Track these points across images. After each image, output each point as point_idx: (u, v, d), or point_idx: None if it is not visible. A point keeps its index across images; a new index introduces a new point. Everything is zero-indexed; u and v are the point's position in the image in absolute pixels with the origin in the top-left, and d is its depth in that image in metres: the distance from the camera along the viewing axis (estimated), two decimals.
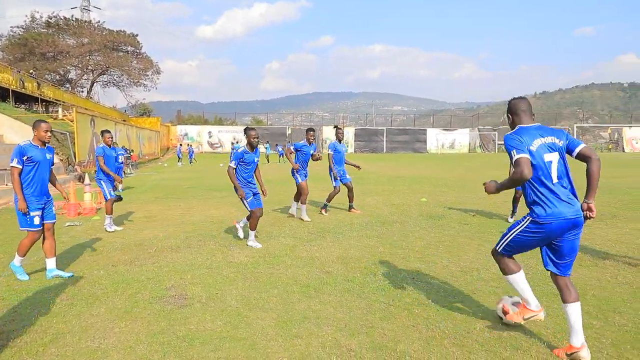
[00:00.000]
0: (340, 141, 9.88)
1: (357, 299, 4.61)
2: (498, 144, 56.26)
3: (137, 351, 3.52)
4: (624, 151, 53.78)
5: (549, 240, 3.42)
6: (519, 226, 3.51)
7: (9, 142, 19.47)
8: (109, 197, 8.31)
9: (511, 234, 3.57)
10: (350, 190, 9.91)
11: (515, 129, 3.52)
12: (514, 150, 3.32)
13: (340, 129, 10.44)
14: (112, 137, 8.46)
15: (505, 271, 3.69)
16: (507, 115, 3.66)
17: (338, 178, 9.65)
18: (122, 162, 9.91)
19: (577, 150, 3.41)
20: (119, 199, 12.12)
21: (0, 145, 18.50)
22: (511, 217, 8.81)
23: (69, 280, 5.27)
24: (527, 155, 3.27)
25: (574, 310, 3.36)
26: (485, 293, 4.71)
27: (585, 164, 3.42)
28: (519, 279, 3.65)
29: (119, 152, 8.86)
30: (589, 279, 5.13)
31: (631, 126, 58.46)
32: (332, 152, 9.64)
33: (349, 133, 54.37)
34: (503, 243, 3.64)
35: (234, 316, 4.19)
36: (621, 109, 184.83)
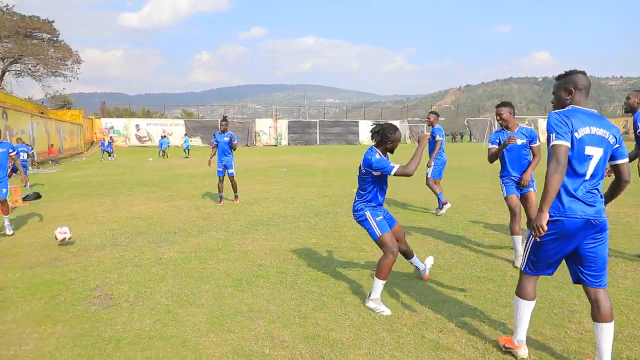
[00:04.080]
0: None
1: (289, 290, 4.63)
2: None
3: (57, 357, 3.33)
4: (539, 140, 57.82)
5: (567, 244, 2.93)
6: None
7: None
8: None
9: (529, 242, 3.09)
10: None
11: (567, 108, 2.97)
12: (554, 134, 2.84)
13: (225, 119, 9.95)
14: None
15: (517, 291, 3.21)
16: (565, 89, 3.03)
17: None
18: (25, 160, 9.20)
19: (619, 161, 3.01)
20: (37, 196, 11.38)
21: None
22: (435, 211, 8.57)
23: None
24: (567, 144, 2.80)
25: (600, 331, 2.90)
26: (414, 279, 4.90)
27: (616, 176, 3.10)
28: (521, 306, 3.17)
29: (20, 149, 8.15)
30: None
31: (545, 118, 62.88)
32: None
33: (282, 125, 54.23)
34: (525, 257, 3.14)
35: (163, 314, 4.07)
36: (536, 101, 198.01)
